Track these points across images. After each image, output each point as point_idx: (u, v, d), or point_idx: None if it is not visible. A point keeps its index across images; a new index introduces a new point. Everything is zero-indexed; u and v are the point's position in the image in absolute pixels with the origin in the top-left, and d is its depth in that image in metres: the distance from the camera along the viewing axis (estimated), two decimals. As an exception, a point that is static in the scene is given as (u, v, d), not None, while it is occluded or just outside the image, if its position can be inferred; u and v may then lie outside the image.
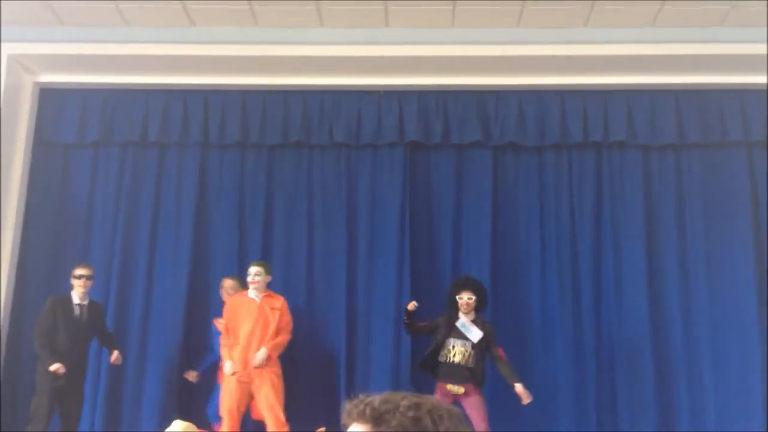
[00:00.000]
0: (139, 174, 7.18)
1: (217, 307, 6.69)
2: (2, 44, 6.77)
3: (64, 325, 5.94)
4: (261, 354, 5.83)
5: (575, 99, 7.04)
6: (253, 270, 6.07)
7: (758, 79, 6.82)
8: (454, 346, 5.78)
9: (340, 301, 6.37)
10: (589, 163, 7.11)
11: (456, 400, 5.58)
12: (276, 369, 5.92)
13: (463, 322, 5.82)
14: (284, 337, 6.00)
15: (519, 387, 5.71)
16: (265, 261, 6.39)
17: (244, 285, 6.39)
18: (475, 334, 5.79)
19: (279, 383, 5.88)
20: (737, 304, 6.64)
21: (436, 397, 1.44)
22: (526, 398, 5.71)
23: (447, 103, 7.07)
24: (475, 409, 5.62)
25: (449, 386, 5.68)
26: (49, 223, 7.00)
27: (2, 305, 6.52)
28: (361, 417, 1.40)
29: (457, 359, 5.74)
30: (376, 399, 1.41)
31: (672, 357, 6.64)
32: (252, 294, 6.06)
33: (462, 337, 5.79)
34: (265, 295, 6.05)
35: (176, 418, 5.34)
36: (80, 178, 7.16)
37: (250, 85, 7.08)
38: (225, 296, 6.43)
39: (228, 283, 6.49)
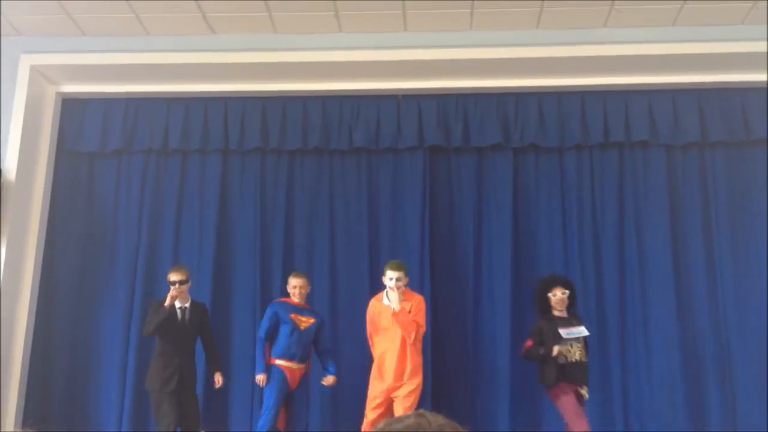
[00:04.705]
0: (161, 181, 7.25)
1: (239, 313, 6.75)
2: (25, 55, 6.86)
3: (167, 330, 5.78)
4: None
5: (595, 99, 6.99)
6: (395, 275, 5.73)
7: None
8: (572, 345, 5.66)
9: (362, 308, 6.31)
10: (611, 163, 7.04)
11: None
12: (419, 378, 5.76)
13: (567, 332, 5.67)
14: (418, 333, 5.75)
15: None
16: (401, 262, 6.03)
17: (311, 281, 6.19)
18: (584, 330, 5.73)
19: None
20: (763, 301, 6.55)
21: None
22: None
23: (467, 106, 7.04)
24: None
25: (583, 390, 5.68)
26: (77, 231, 7.08)
27: (26, 314, 6.58)
28: None
29: (577, 357, 5.67)
30: None
31: (700, 352, 6.58)
32: (387, 301, 5.79)
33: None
34: (403, 300, 5.74)
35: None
36: (105, 186, 7.23)
37: (269, 92, 7.10)
38: (295, 296, 6.02)
39: (295, 282, 6.04)
